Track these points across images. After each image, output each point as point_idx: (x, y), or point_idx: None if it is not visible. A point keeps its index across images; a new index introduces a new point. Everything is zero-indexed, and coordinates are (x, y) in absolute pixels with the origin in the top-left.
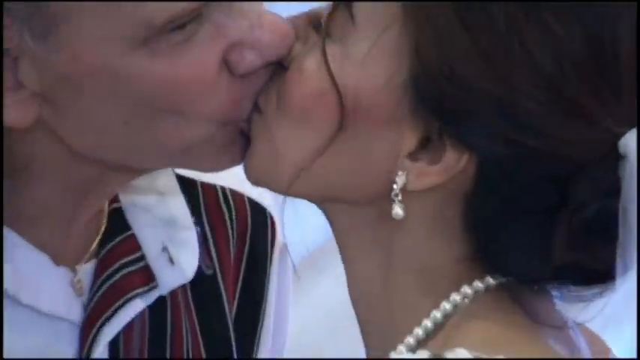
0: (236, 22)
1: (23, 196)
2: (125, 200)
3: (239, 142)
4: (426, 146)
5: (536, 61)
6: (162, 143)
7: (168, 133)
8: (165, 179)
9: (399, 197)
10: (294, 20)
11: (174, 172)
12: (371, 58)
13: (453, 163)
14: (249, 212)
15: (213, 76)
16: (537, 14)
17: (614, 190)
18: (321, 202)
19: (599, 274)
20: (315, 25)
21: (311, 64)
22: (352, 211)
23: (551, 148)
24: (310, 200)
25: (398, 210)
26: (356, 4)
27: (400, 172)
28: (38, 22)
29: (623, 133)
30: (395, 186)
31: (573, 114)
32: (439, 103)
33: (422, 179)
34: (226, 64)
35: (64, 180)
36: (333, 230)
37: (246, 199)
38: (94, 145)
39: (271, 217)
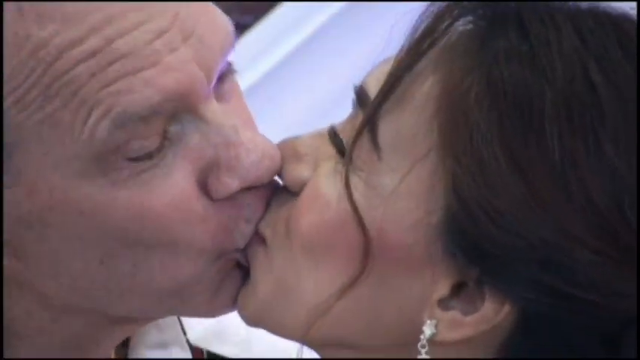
0: (210, 140)
1: None
2: None
3: (235, 278)
4: (459, 293)
5: (595, 204)
6: (149, 284)
7: (155, 271)
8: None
9: (426, 349)
10: (296, 140)
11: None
12: (400, 194)
13: (492, 314)
14: None
15: (192, 203)
16: (597, 147)
17: None
18: (335, 349)
19: None
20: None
21: (329, 192)
22: None
23: (603, 301)
24: (320, 347)
25: None
26: (382, 131)
27: (429, 321)
28: None
29: None
30: (422, 336)
31: (628, 263)
32: (479, 247)
33: (454, 330)
34: (205, 189)
35: (50, 340)
36: None
37: None
38: (71, 292)
39: None
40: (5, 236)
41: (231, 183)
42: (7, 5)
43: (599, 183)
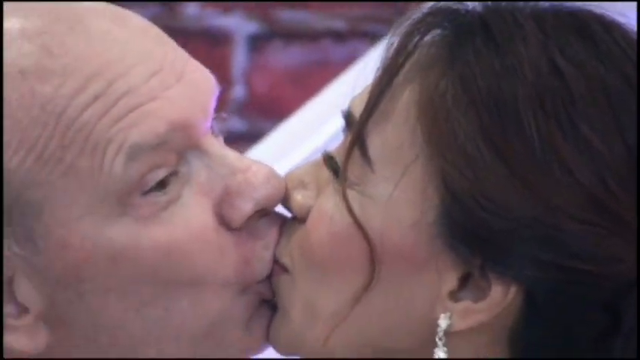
0: (217, 171)
1: None
2: None
3: (264, 313)
4: (467, 283)
5: (578, 179)
6: (181, 326)
7: (185, 312)
8: None
9: (443, 341)
10: (298, 170)
11: None
12: (395, 200)
13: (501, 298)
14: None
15: (212, 234)
16: (572, 127)
17: None
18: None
19: None
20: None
21: (331, 210)
22: None
23: (598, 269)
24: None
25: (440, 354)
26: (371, 145)
27: (443, 314)
28: (17, 221)
29: None
30: (438, 329)
31: (620, 231)
32: (477, 236)
33: (468, 318)
34: (223, 220)
35: None
36: None
37: None
38: (110, 349)
39: None
40: (44, 304)
41: (244, 206)
42: (7, 70)
43: (579, 159)
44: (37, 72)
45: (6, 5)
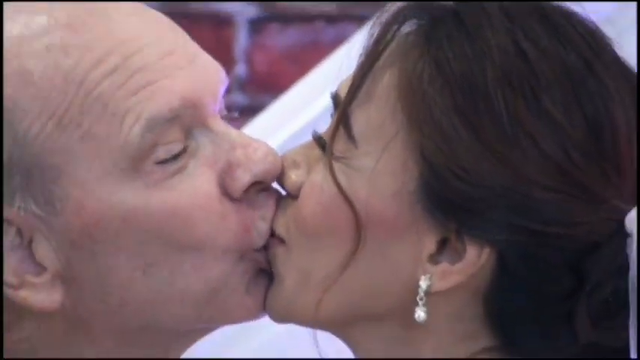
0: (221, 146)
1: None
2: None
3: (262, 280)
4: (445, 247)
5: (543, 150)
6: (185, 290)
7: (188, 275)
8: None
9: (423, 300)
10: (291, 151)
11: None
12: (379, 172)
13: (475, 259)
14: None
15: (215, 202)
16: (537, 103)
17: (625, 268)
18: (345, 324)
19: (619, 351)
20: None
21: (320, 181)
22: (375, 329)
23: (565, 232)
24: (334, 326)
25: (420, 313)
26: (355, 124)
27: (423, 276)
28: (37, 184)
29: (628, 210)
30: (419, 290)
31: (583, 197)
32: (453, 203)
33: (446, 279)
34: (225, 191)
35: None
36: (357, 354)
37: None
38: (120, 310)
39: None
40: (60, 263)
41: (243, 177)
42: (33, 45)
43: (543, 131)
44: (62, 46)
45: (27, 4)
